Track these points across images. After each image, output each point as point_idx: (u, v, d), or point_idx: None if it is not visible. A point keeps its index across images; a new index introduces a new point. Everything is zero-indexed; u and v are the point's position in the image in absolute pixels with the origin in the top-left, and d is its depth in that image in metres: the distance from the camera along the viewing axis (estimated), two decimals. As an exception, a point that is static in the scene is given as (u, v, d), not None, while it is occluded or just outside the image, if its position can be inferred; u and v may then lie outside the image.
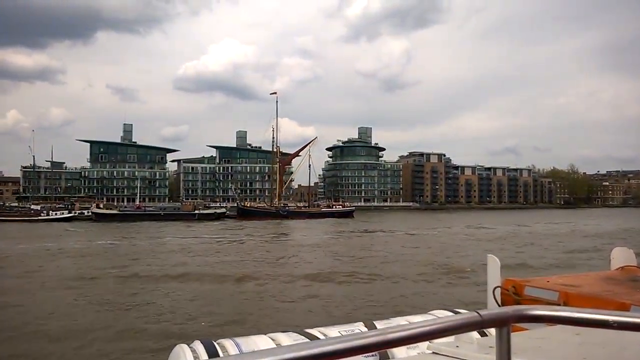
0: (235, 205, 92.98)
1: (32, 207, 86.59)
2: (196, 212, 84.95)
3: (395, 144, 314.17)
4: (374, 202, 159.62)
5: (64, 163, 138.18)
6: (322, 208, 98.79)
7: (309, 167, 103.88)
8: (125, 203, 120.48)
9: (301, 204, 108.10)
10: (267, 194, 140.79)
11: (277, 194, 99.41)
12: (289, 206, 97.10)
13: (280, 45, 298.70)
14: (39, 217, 76.73)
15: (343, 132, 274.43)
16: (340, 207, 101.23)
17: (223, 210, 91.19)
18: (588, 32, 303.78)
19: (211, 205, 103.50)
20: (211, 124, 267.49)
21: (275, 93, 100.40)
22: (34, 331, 11.84)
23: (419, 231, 51.06)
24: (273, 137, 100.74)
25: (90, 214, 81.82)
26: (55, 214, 79.33)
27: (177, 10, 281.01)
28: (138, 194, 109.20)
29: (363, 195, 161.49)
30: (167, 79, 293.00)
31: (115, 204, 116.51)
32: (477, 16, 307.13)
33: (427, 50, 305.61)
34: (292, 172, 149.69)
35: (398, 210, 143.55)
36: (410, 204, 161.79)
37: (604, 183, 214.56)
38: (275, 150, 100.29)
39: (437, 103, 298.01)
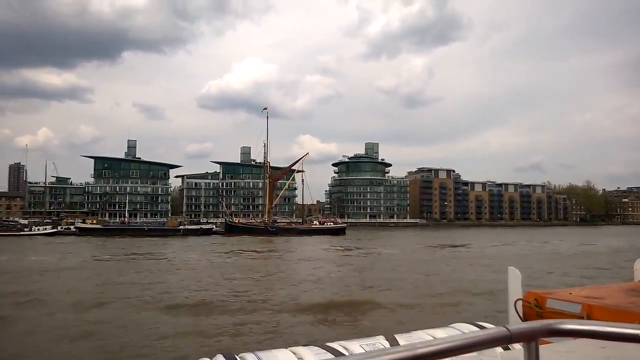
0: (224, 221, 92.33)
1: (20, 221, 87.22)
2: (181, 227, 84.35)
3: (418, 160, 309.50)
4: (380, 218, 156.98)
5: (69, 179, 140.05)
6: (312, 225, 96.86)
7: (302, 182, 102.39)
8: (126, 218, 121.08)
9: (294, 220, 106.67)
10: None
11: (266, 210, 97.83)
12: (278, 222, 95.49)
13: (301, 64, 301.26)
14: (22, 232, 77.08)
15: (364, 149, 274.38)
16: (332, 223, 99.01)
17: (210, 226, 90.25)
18: (613, 47, 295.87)
19: (200, 221, 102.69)
20: (234, 141, 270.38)
21: (266, 109, 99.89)
22: None
23: (386, 249, 49.01)
24: (265, 153, 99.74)
25: (75, 229, 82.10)
26: (38, 228, 79.58)
27: (201, 31, 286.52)
28: (126, 210, 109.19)
29: (369, 211, 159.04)
30: (192, 98, 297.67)
31: (117, 219, 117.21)
32: (499, 32, 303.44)
33: (449, 67, 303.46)
34: (295, 188, 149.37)
35: (403, 227, 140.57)
36: (417, 220, 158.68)
37: (624, 200, 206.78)
38: (265, 165, 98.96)
39: (460, 120, 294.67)
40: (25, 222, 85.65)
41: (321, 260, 37.65)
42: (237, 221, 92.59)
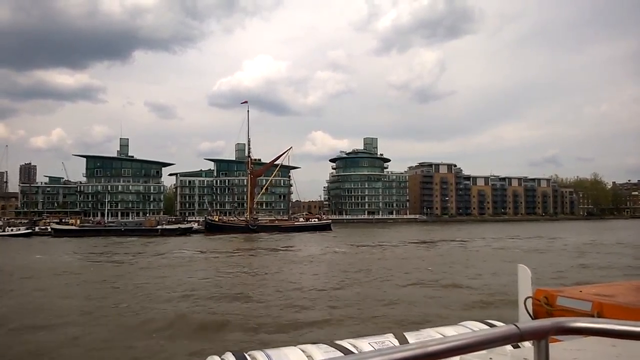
0: (204, 219, 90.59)
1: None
2: (159, 227, 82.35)
3: (432, 156, 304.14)
4: (378, 214, 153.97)
5: (62, 178, 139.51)
6: (295, 222, 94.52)
7: (289, 178, 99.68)
8: (119, 218, 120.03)
9: (279, 218, 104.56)
10: (263, 207, 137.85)
11: (248, 207, 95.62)
12: (260, 220, 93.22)
13: (312, 60, 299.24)
14: (-7, 234, 75.90)
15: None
16: (316, 220, 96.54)
17: (190, 225, 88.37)
18: (628, 37, 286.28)
19: (183, 220, 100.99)
20: (245, 139, 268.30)
21: (246, 102, 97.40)
22: None
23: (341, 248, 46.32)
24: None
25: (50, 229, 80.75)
26: (12, 229, 78.37)
27: (210, 29, 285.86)
28: (106, 210, 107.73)
29: (367, 207, 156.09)
30: (203, 96, 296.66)
31: (110, 218, 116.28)
32: (511, 24, 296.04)
33: (461, 60, 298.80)
34: (291, 185, 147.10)
35: (402, 223, 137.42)
36: (417, 216, 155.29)
37: (634, 192, 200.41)
38: (247, 161, 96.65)
39: (474, 113, 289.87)
40: (0, 223, 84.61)
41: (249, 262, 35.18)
42: (217, 219, 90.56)
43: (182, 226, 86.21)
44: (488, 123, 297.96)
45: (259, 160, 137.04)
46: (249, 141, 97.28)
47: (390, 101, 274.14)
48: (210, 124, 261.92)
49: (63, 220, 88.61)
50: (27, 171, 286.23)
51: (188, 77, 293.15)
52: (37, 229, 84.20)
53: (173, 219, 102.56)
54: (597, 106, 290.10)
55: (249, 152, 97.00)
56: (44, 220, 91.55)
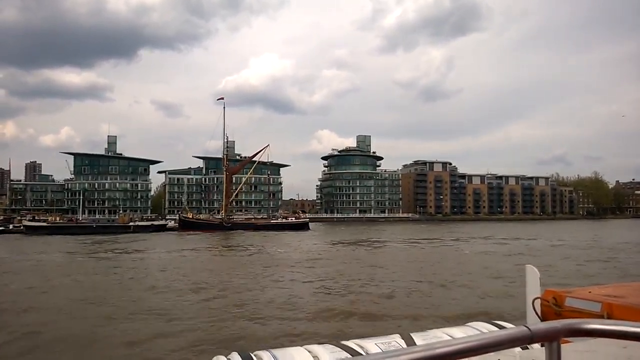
0: (178, 217, 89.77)
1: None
2: (131, 224, 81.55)
3: (439, 154, 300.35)
4: (370, 213, 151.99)
5: (51, 176, 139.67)
6: (271, 220, 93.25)
7: (268, 175, 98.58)
8: (106, 215, 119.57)
9: (257, 216, 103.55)
10: (252, 205, 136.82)
11: (223, 205, 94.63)
12: (235, 218, 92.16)
13: (318, 59, 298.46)
14: (-37, 231, 75.49)
15: (381, 143, 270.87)
16: (294, 218, 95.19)
17: (163, 223, 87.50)
18: (637, 35, 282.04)
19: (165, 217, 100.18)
20: (251, 137, 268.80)
21: (222, 98, 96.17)
22: None
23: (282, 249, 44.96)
24: (228, 146, 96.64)
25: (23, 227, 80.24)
26: (-15, 227, 78.11)
27: (216, 27, 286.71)
28: (81, 207, 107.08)
29: (358, 206, 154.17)
30: (209, 94, 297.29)
31: (97, 216, 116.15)
32: (519, 22, 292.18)
33: (468, 58, 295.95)
34: (280, 183, 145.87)
35: (394, 222, 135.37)
36: (409, 215, 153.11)
37: (637, 191, 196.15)
38: (223, 158, 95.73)
39: (481, 112, 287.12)
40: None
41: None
42: (191, 216, 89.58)
43: (156, 223, 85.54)
44: (496, 122, 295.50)
45: (245, 156, 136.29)
46: (226, 137, 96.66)
47: (396, 99, 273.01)
48: (217, 123, 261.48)
49: (36, 218, 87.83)
50: (32, 169, 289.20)
51: (194, 75, 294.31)
52: (11, 226, 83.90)
53: (152, 217, 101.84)
54: (606, 106, 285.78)
55: (226, 150, 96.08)
56: (18, 218, 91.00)
